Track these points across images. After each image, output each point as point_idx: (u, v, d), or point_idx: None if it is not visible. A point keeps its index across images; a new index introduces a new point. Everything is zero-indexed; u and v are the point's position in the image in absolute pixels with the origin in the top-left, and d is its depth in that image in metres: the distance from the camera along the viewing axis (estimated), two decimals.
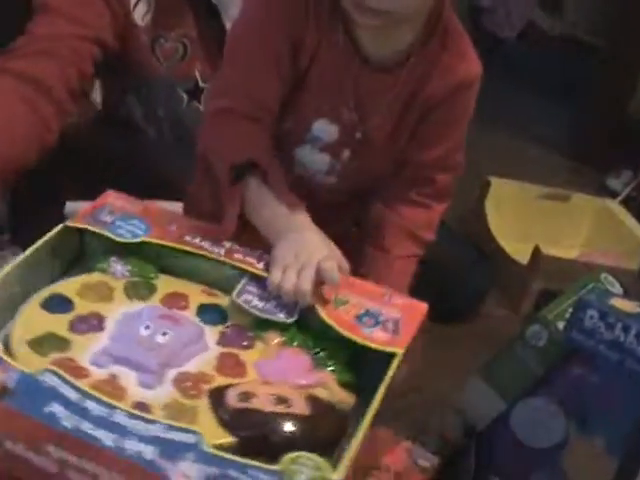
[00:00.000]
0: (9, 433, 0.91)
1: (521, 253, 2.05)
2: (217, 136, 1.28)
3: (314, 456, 0.91)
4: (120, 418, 0.91)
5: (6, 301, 1.07)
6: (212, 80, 1.50)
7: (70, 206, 1.48)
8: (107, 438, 0.89)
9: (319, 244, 1.18)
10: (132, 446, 0.88)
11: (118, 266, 1.15)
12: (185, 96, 1.66)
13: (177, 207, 1.45)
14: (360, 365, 1.08)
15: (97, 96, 1.78)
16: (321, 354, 1.09)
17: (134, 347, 1.03)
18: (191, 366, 1.04)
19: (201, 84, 1.65)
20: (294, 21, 1.24)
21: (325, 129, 1.33)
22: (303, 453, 0.91)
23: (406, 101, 1.32)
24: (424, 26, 1.27)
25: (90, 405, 0.92)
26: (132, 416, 0.92)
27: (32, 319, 1.06)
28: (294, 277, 1.11)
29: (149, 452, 0.88)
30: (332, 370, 1.07)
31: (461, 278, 1.85)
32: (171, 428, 0.91)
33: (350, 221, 1.50)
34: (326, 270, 1.12)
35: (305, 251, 1.15)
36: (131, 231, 1.17)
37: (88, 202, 1.20)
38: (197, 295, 1.14)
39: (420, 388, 1.30)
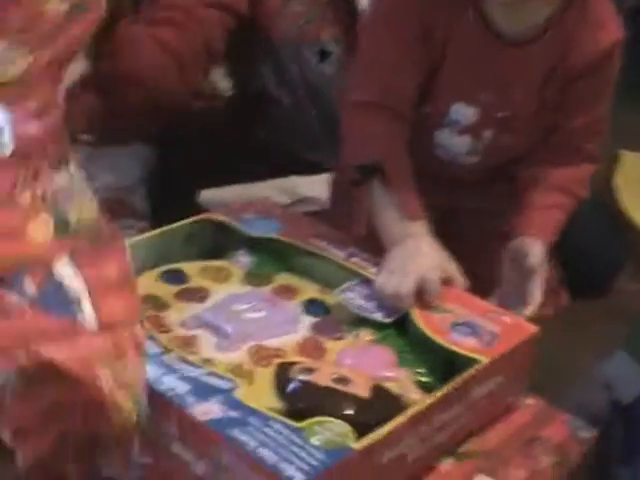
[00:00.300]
0: None
1: None
2: (352, 131, 1.30)
3: (343, 424, 0.90)
4: (169, 358, 0.95)
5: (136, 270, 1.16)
6: (348, 70, 1.48)
7: (205, 194, 1.54)
8: (151, 372, 0.93)
9: (432, 254, 1.17)
10: (169, 382, 0.92)
11: (244, 258, 1.21)
12: (314, 59, 1.68)
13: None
14: (449, 371, 1.04)
15: (222, 82, 1.86)
16: (409, 356, 1.07)
17: (223, 316, 1.07)
18: (272, 343, 1.06)
19: (329, 48, 1.67)
20: (423, 4, 1.26)
21: (463, 112, 1.32)
22: (333, 419, 0.90)
23: (546, 75, 1.29)
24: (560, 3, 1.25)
25: (147, 344, 0.97)
26: (180, 359, 0.95)
27: (145, 282, 1.13)
28: (397, 282, 1.11)
29: (182, 388, 0.91)
30: (417, 371, 1.05)
31: (597, 252, 1.75)
32: (211, 374, 0.94)
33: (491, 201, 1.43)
34: (428, 281, 1.11)
35: (415, 258, 1.14)
36: (264, 229, 1.22)
37: (223, 189, 1.27)
38: (309, 291, 1.17)
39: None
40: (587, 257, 1.78)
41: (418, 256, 1.16)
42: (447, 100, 1.32)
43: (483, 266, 1.41)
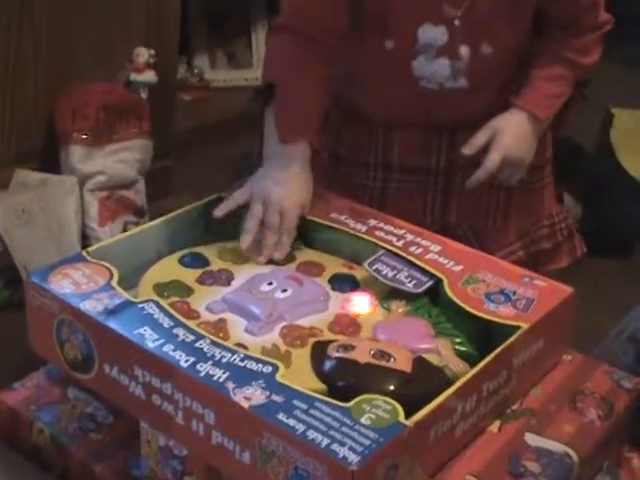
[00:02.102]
0: (107, 355, 0.95)
1: None
2: (266, 54, 1.35)
3: (391, 401, 0.86)
4: (203, 345, 0.92)
5: (152, 257, 1.12)
6: None
7: None
8: (184, 360, 0.89)
9: (293, 185, 1.20)
10: (206, 369, 0.88)
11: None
12: None
13: None
14: (485, 339, 1.02)
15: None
16: (446, 325, 1.04)
17: (250, 298, 1.04)
18: (304, 322, 1.02)
19: None
20: None
21: (431, 34, 1.29)
22: (380, 396, 0.87)
23: None
24: None
25: (178, 331, 0.94)
26: (214, 344, 0.92)
27: (166, 268, 1.10)
28: (258, 211, 1.18)
29: (221, 375, 0.88)
30: (454, 341, 1.02)
31: (621, 208, 1.74)
32: (248, 357, 0.91)
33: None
34: (287, 213, 1.17)
35: (277, 188, 1.19)
36: None
37: None
38: (334, 266, 1.14)
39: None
40: (608, 216, 1.77)
41: (280, 186, 1.19)
42: (411, 26, 1.29)
43: (484, 220, 1.40)
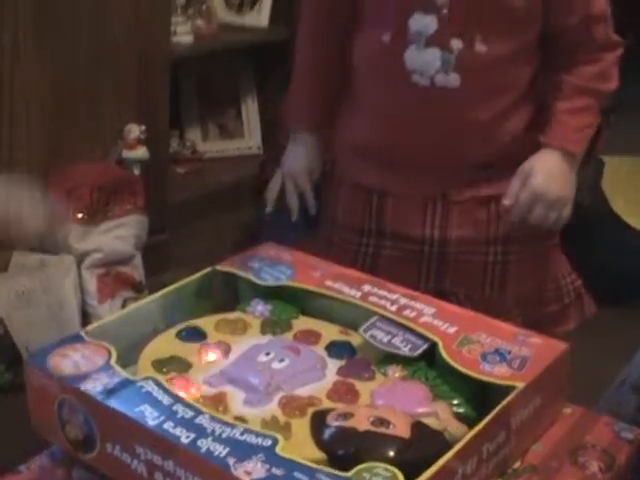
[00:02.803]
0: (109, 434, 0.96)
1: None
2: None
3: (391, 468, 0.87)
4: (203, 420, 0.93)
5: (150, 333, 1.13)
6: None
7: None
8: (185, 437, 0.90)
9: (302, 159, 1.51)
10: (206, 445, 0.89)
11: (259, 306, 1.19)
12: None
13: None
14: (483, 399, 1.02)
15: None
16: (443, 387, 1.04)
17: (248, 369, 1.05)
18: (302, 391, 1.03)
19: None
20: None
21: (422, 22, 1.34)
22: (380, 464, 0.88)
23: None
24: None
25: (178, 408, 0.94)
26: (213, 419, 0.93)
27: (164, 344, 1.11)
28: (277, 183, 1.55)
29: (221, 451, 0.88)
30: (452, 403, 1.02)
31: (614, 259, 1.75)
32: (248, 431, 0.91)
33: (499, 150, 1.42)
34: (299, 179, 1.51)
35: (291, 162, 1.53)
36: (275, 276, 1.20)
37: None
38: (331, 333, 1.14)
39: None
40: (605, 266, 1.78)
41: (289, 158, 1.53)
42: (404, 15, 1.34)
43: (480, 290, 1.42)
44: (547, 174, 1.36)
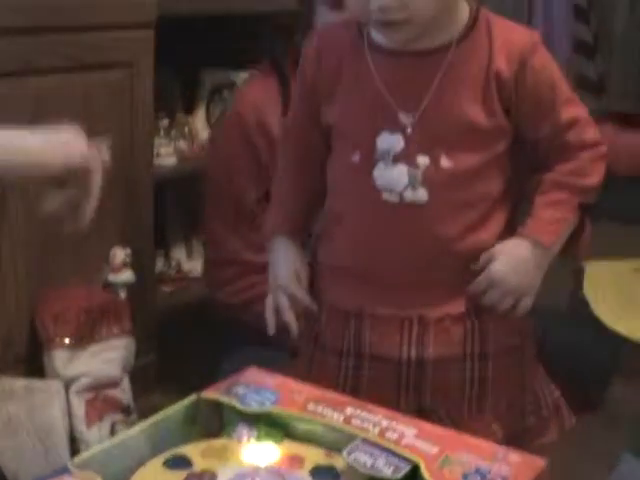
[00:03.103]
0: None
1: (633, 330, 1.94)
2: None
3: None
4: None
5: (138, 462, 1.15)
6: None
7: None
8: None
9: (286, 265, 1.52)
10: None
11: (244, 431, 1.20)
12: None
13: None
14: None
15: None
16: None
17: None
18: None
19: None
20: (311, 73, 1.48)
21: (389, 140, 1.40)
22: None
23: (471, 85, 1.39)
24: (465, 26, 1.40)
25: None
26: None
27: (151, 473, 1.12)
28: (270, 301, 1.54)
29: None
30: None
31: (584, 362, 1.77)
32: None
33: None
34: (289, 290, 1.52)
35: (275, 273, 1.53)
36: (260, 401, 1.22)
37: None
38: (315, 457, 1.16)
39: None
40: (577, 370, 1.80)
41: (273, 270, 1.52)
42: (371, 135, 1.41)
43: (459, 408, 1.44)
44: (509, 261, 1.41)
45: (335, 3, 1.85)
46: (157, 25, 2.16)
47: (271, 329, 1.53)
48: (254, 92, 2.03)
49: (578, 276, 2.25)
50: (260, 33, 2.63)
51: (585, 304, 2.20)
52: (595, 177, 1.45)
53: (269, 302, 1.54)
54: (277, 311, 1.53)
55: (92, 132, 1.98)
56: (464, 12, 1.43)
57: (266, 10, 2.59)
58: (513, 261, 1.41)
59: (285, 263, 1.53)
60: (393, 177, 1.40)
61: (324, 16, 1.91)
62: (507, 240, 1.43)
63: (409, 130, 1.39)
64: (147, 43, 2.16)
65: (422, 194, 1.40)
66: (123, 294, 2.06)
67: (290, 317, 1.51)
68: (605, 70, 5.12)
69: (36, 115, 1.91)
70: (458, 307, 1.44)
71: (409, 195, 1.40)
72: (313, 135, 1.52)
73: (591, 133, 1.45)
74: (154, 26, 2.15)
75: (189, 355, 2.30)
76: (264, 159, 1.97)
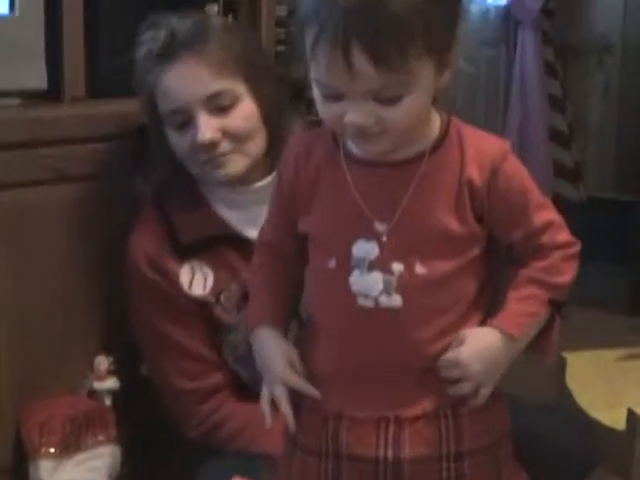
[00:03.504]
0: None
1: (617, 420, 1.95)
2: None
3: None
4: None
5: None
6: None
7: None
8: None
9: (276, 357, 1.52)
10: None
11: None
12: None
13: None
14: None
15: None
16: None
17: None
18: None
19: None
20: (288, 181, 1.53)
21: (364, 248, 1.43)
22: None
23: (443, 193, 1.43)
24: (437, 136, 1.44)
25: None
26: None
27: None
28: (267, 394, 1.54)
29: None
30: None
31: (566, 455, 1.77)
32: None
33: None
34: (287, 381, 1.51)
35: (268, 365, 1.53)
36: None
37: None
38: None
39: None
40: (556, 460, 1.81)
41: (270, 361, 1.52)
42: (347, 243, 1.44)
43: None
44: (477, 346, 1.45)
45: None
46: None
47: (268, 422, 1.52)
48: (142, 240, 2.00)
49: (561, 367, 2.28)
50: None
51: (569, 395, 2.22)
52: (567, 275, 1.49)
53: (265, 395, 1.54)
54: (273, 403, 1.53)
55: (76, 241, 2.04)
56: (436, 123, 1.48)
57: None
58: (481, 347, 1.45)
59: (277, 353, 1.53)
60: (368, 283, 1.43)
61: None
62: (479, 327, 1.46)
63: (384, 238, 1.43)
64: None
65: (397, 300, 1.43)
66: (108, 401, 2.07)
67: (287, 409, 1.51)
68: (581, 158, 5.22)
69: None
70: (433, 405, 1.46)
71: (384, 301, 1.43)
72: (289, 243, 1.57)
73: (564, 235, 1.50)
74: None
75: (174, 461, 2.29)
76: (166, 290, 1.98)
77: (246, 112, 1.92)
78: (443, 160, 1.44)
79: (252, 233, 1.84)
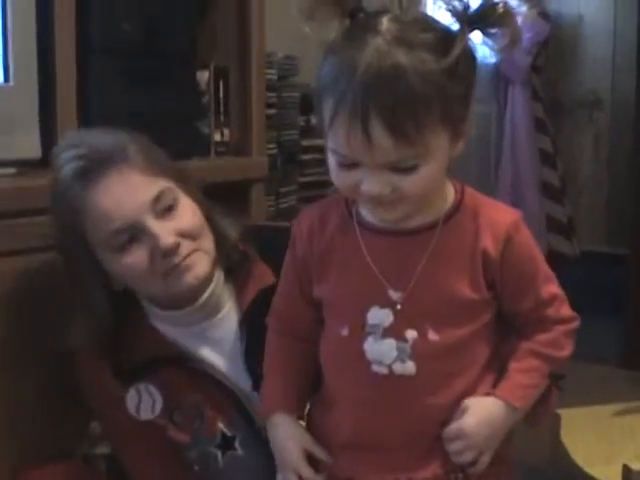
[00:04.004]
0: None
1: (613, 476, 1.96)
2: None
3: None
4: None
5: None
6: None
7: None
8: None
9: (291, 445, 1.52)
10: None
11: None
12: (218, 451, 1.79)
13: None
14: None
15: None
16: None
17: None
18: None
19: (229, 433, 1.79)
20: (302, 251, 1.55)
21: (379, 315, 1.44)
22: None
23: (457, 263, 1.45)
24: (451, 205, 1.47)
25: None
26: None
27: None
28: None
29: None
30: None
31: None
32: None
33: None
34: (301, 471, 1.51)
35: (282, 453, 1.53)
36: None
37: None
38: None
39: None
40: None
41: (284, 449, 1.52)
42: (361, 310, 1.45)
43: None
44: (481, 417, 1.46)
45: None
46: None
47: None
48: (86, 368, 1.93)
49: (555, 424, 2.28)
50: None
51: (564, 452, 2.22)
52: (567, 350, 1.52)
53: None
54: None
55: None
56: (450, 191, 1.51)
57: None
58: (484, 417, 1.46)
59: (291, 441, 1.55)
60: (382, 351, 1.45)
61: None
62: (482, 397, 1.47)
63: (398, 306, 1.44)
64: None
65: (410, 367, 1.45)
66: (103, 466, 2.07)
67: None
68: (573, 212, 5.27)
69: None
70: (444, 467, 1.48)
71: (398, 368, 1.45)
72: (304, 313, 1.58)
73: (567, 309, 1.54)
74: None
75: None
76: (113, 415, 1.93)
77: (191, 208, 1.80)
78: (457, 229, 1.46)
79: (201, 351, 1.84)
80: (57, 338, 1.86)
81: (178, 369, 1.83)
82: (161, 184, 1.76)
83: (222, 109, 2.78)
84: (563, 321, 1.52)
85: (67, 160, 1.75)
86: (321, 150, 3.58)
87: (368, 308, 1.46)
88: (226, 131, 2.80)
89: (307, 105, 3.55)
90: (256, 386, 1.74)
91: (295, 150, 3.50)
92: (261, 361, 1.65)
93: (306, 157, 3.61)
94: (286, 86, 3.44)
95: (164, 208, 1.75)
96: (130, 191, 1.72)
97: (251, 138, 2.80)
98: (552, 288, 1.52)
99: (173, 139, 2.56)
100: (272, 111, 3.25)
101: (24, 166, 2.15)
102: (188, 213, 1.78)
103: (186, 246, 1.75)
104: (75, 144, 1.78)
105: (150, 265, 1.73)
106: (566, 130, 5.67)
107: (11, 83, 2.07)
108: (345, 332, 1.48)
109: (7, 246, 1.95)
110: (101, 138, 1.79)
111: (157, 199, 1.74)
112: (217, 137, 2.79)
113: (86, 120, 2.29)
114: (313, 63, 3.94)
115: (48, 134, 2.18)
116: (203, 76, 2.73)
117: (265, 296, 1.74)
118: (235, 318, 1.86)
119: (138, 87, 2.47)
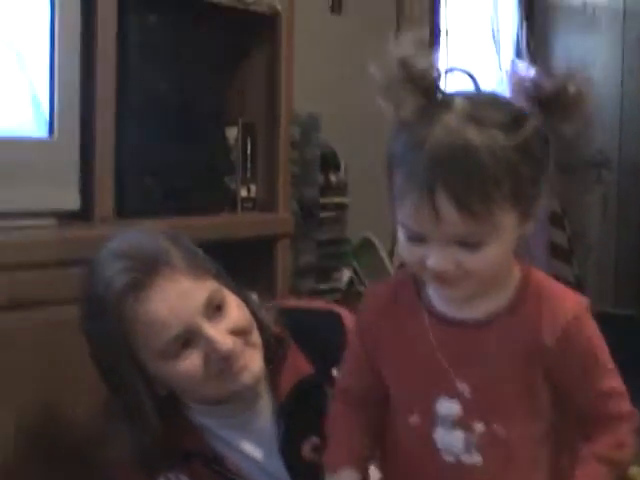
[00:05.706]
0: None
1: None
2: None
3: None
4: None
5: None
6: None
7: None
8: None
9: None
10: None
11: None
12: None
13: None
14: None
15: None
16: None
17: None
18: None
19: None
20: (369, 331, 1.56)
21: (447, 405, 1.45)
22: None
23: (521, 355, 1.43)
24: (517, 289, 1.44)
25: None
26: None
27: None
28: None
29: None
30: None
31: None
32: None
33: None
34: None
35: None
36: None
37: None
38: None
39: None
40: None
41: None
42: (429, 400, 1.46)
43: None
44: None
45: None
46: None
47: None
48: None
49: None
50: None
51: None
52: (631, 449, 1.49)
53: None
54: None
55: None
56: (516, 273, 1.48)
57: None
58: None
59: None
60: (452, 441, 1.46)
61: None
62: None
63: (467, 397, 1.45)
64: None
65: (477, 458, 1.46)
66: None
67: None
68: (581, 272, 5.30)
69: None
70: None
71: (466, 458, 1.47)
72: (375, 385, 1.57)
73: (627, 404, 1.51)
74: None
75: None
76: None
77: (236, 303, 1.78)
78: (522, 318, 1.45)
79: (241, 443, 1.82)
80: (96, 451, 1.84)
81: (205, 468, 1.79)
82: (208, 285, 1.74)
83: (249, 165, 2.83)
84: (624, 418, 1.48)
85: (116, 272, 1.70)
86: (338, 208, 3.69)
87: (436, 398, 1.46)
88: (252, 187, 2.84)
89: (326, 163, 3.61)
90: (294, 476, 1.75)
91: (315, 207, 3.55)
92: (299, 452, 1.69)
93: (324, 214, 3.67)
94: (308, 144, 3.49)
95: (214, 309, 1.74)
96: (182, 296, 1.69)
97: (277, 194, 2.83)
98: (614, 381, 1.49)
99: (204, 194, 2.65)
100: (295, 168, 3.30)
101: (63, 217, 2.21)
102: (236, 310, 1.76)
103: (239, 345, 1.73)
104: (118, 254, 1.73)
105: (205, 368, 1.70)
106: (574, 190, 5.73)
107: (55, 137, 2.14)
108: (414, 420, 1.49)
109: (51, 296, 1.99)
110: (143, 244, 1.75)
111: (209, 301, 1.72)
112: (244, 193, 2.83)
113: (121, 173, 2.36)
114: (334, 121, 4.00)
115: (87, 186, 2.25)
116: (232, 132, 2.79)
117: (303, 388, 1.77)
118: (270, 406, 1.83)
119: (170, 142, 2.55)
